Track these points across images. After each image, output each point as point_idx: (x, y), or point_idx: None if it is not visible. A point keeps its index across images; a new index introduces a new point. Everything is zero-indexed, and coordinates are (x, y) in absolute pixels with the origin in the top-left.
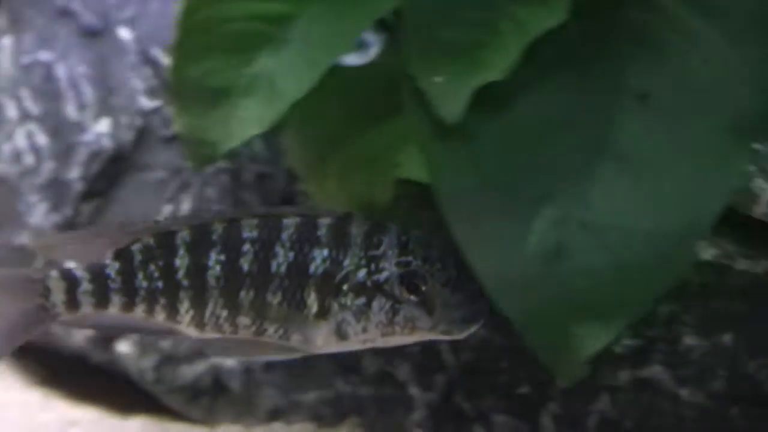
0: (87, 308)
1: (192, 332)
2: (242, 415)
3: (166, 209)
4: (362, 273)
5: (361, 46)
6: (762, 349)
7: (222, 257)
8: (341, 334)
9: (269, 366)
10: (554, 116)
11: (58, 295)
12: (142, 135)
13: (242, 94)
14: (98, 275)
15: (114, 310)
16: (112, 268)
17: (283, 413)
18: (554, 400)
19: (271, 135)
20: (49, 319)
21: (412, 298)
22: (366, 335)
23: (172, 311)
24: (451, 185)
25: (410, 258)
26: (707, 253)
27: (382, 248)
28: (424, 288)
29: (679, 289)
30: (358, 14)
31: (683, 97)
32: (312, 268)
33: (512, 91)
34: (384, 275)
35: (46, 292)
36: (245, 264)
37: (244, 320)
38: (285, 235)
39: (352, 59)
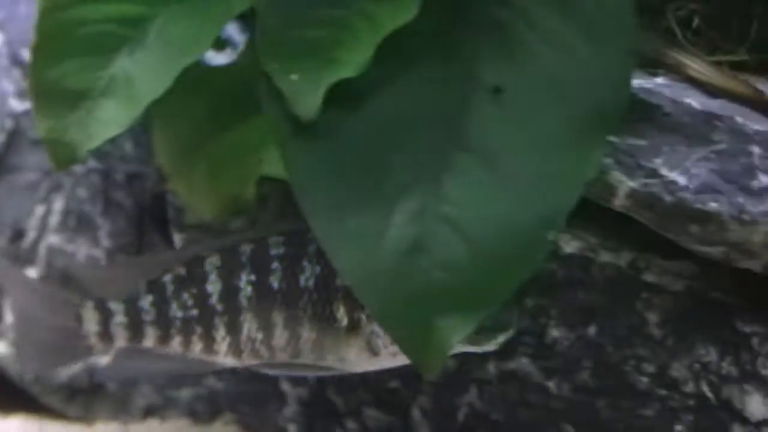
0: (120, 341)
1: (230, 361)
2: (118, 412)
3: (39, 210)
4: None
5: (229, 44)
6: (626, 341)
7: (252, 277)
8: (372, 349)
9: None
10: (410, 111)
11: (91, 326)
12: (13, 137)
13: (101, 96)
14: (132, 307)
15: (149, 344)
16: (146, 300)
17: (158, 410)
18: (424, 394)
19: (140, 134)
20: (84, 349)
21: None
22: (395, 347)
23: (209, 340)
24: (309, 181)
25: None
26: (570, 246)
27: None
28: None
29: (544, 283)
30: (212, 14)
31: (537, 92)
32: (338, 279)
33: (368, 88)
34: None
35: (79, 320)
36: (275, 282)
37: (278, 342)
38: (311, 249)
39: (220, 58)
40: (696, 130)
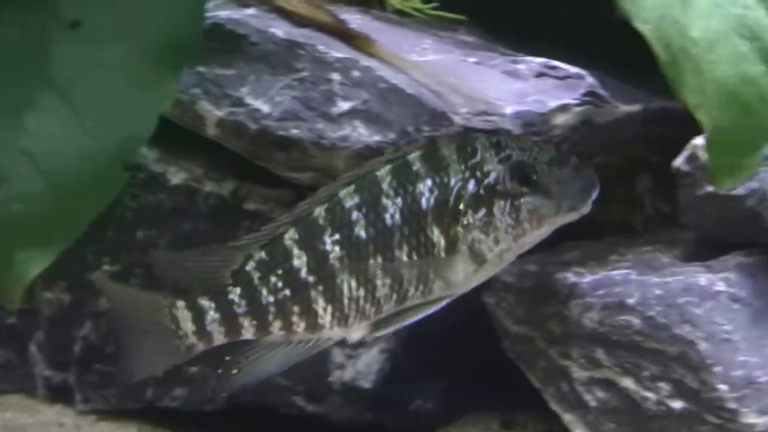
0: (219, 338)
1: (337, 333)
2: None
3: None
4: (472, 184)
5: None
6: None
7: (336, 236)
8: (477, 258)
9: None
10: None
11: (188, 325)
12: None
13: None
14: (223, 301)
15: (248, 335)
16: (234, 293)
17: None
18: (40, 329)
19: None
20: (185, 349)
21: (526, 189)
22: (500, 246)
23: (311, 316)
24: None
25: (510, 152)
26: (177, 177)
27: (479, 154)
28: (534, 176)
29: (152, 214)
30: None
31: (113, 23)
32: (424, 203)
33: None
34: (493, 177)
35: (175, 321)
36: (361, 231)
37: (382, 292)
38: (386, 185)
39: None
40: (280, 58)
